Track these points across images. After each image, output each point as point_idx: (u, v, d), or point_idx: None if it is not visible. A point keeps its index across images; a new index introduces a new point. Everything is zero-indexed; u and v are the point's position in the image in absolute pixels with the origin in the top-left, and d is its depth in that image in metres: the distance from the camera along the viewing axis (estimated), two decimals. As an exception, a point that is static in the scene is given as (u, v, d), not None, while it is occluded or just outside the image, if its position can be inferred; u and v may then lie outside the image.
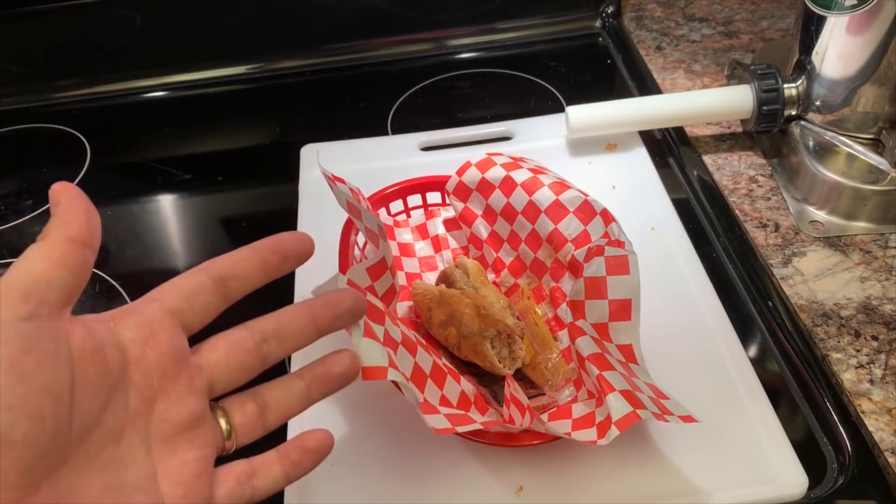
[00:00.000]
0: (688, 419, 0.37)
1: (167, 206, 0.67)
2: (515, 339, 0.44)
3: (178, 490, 0.30)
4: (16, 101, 0.79)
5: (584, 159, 0.64)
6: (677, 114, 0.63)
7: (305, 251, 0.35)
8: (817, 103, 0.59)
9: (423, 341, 0.41)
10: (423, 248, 0.55)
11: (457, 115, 0.74)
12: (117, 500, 0.28)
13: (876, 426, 0.44)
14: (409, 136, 0.67)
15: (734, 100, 0.61)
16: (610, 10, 0.83)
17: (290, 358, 0.48)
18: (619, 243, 0.43)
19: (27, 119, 0.77)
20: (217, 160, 0.72)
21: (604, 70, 0.79)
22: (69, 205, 0.29)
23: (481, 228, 0.53)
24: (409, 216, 0.56)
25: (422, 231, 0.56)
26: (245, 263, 0.33)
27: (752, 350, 0.51)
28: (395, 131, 0.72)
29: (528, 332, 0.48)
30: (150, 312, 0.31)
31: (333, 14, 0.80)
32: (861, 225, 0.56)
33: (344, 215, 0.50)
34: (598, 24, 0.84)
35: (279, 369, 0.35)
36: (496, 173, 0.51)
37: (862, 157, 0.57)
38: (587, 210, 0.47)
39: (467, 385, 0.42)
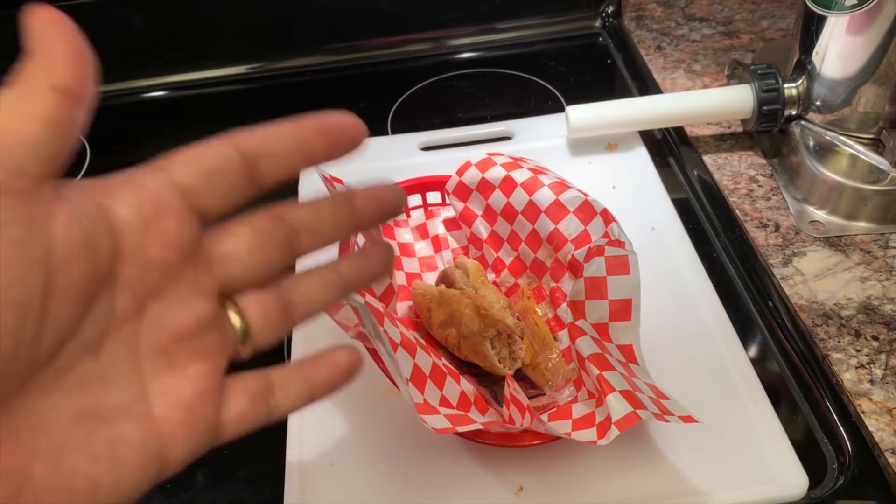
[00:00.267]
0: (688, 419, 0.37)
1: (167, 206, 0.67)
2: (515, 339, 0.44)
3: (176, 413, 0.24)
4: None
5: (584, 159, 0.64)
6: (677, 114, 0.63)
7: (356, 137, 0.28)
8: (817, 103, 0.58)
9: (423, 341, 0.41)
10: (423, 248, 0.55)
11: (457, 115, 0.74)
12: (93, 430, 0.22)
13: (876, 426, 0.44)
14: (409, 136, 0.67)
15: (734, 100, 0.61)
16: (610, 9, 0.83)
17: (289, 342, 0.48)
18: (620, 243, 0.43)
19: (27, 119, 0.77)
20: (217, 160, 0.72)
21: (604, 70, 0.79)
22: (55, 40, 0.22)
23: (481, 228, 0.53)
24: (409, 216, 0.56)
25: (422, 231, 0.56)
26: (284, 142, 0.26)
27: (752, 350, 0.51)
28: (395, 131, 0.72)
29: (528, 332, 0.47)
30: (155, 186, 0.23)
31: (333, 14, 0.80)
32: (861, 225, 0.56)
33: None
34: (598, 23, 0.84)
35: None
36: (496, 173, 0.51)
37: (862, 157, 0.57)
38: (587, 210, 0.47)
39: (467, 385, 0.42)
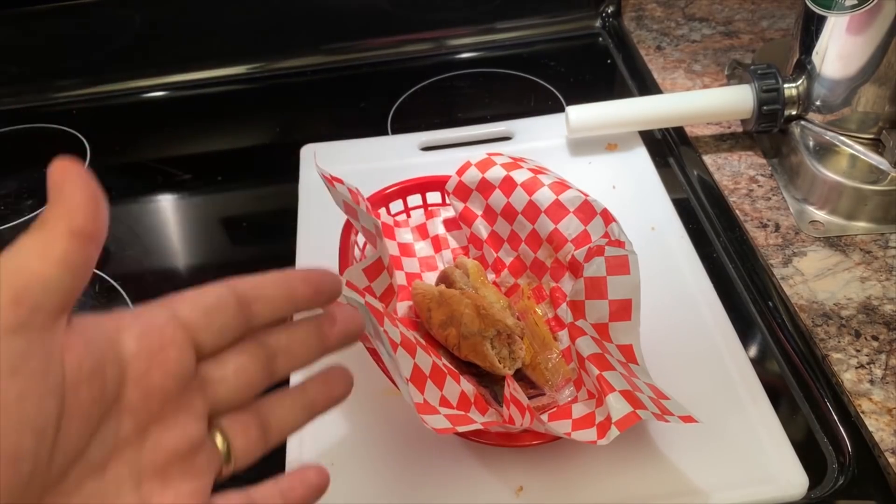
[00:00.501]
0: (688, 419, 0.37)
1: (167, 206, 0.67)
2: (515, 339, 0.44)
3: None
4: (16, 101, 0.79)
5: (584, 159, 0.64)
6: (677, 114, 0.63)
7: (335, 290, 0.31)
8: (817, 103, 0.58)
9: (423, 341, 0.41)
10: (423, 248, 0.55)
11: (457, 115, 0.74)
12: None
13: (876, 426, 0.44)
14: (409, 136, 0.67)
15: (734, 100, 0.61)
16: (610, 10, 0.83)
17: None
18: (620, 243, 0.43)
19: (27, 119, 0.77)
20: (217, 160, 0.72)
21: (604, 70, 0.79)
22: (73, 188, 0.24)
23: (481, 228, 0.53)
24: (409, 216, 0.56)
25: (422, 231, 0.56)
26: (274, 288, 0.29)
27: (752, 350, 0.51)
28: (395, 131, 0.72)
29: (528, 332, 0.47)
30: (160, 322, 0.26)
31: (333, 14, 0.80)
32: (861, 225, 0.56)
33: (344, 215, 0.49)
34: (598, 24, 0.84)
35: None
36: (496, 173, 0.51)
37: (862, 157, 0.57)
38: (587, 210, 0.47)
39: (467, 385, 0.42)
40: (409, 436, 0.45)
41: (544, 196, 0.49)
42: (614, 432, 0.36)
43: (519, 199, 0.50)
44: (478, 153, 0.53)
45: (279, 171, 0.67)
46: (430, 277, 0.53)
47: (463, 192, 0.53)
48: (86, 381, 0.23)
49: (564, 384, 0.45)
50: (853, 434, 0.45)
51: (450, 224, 0.56)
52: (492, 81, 0.78)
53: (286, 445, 0.45)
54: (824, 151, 0.58)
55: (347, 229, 0.51)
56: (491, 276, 0.52)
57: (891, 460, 0.43)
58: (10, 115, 0.78)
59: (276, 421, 0.30)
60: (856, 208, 0.56)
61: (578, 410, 0.41)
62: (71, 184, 0.24)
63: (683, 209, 0.60)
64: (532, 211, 0.50)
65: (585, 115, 0.62)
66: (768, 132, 0.62)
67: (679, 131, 0.66)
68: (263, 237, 0.63)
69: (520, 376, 0.46)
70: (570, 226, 0.48)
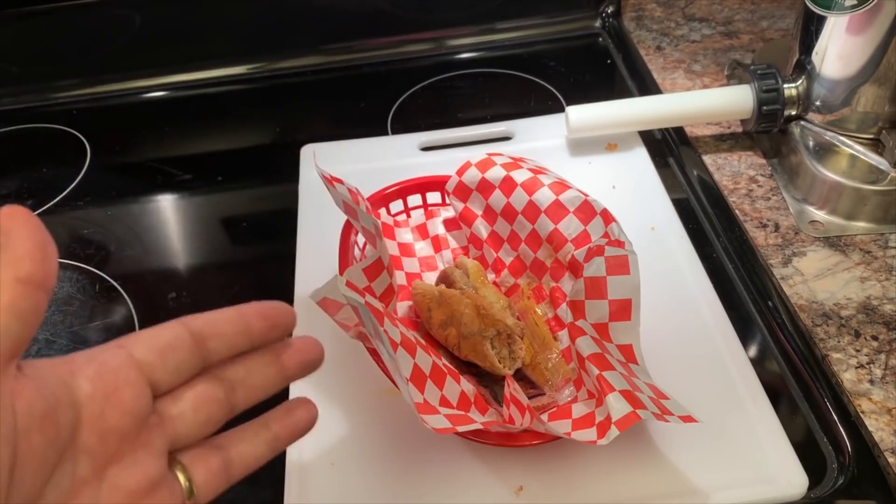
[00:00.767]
0: (688, 419, 0.37)
1: (167, 206, 0.67)
2: (515, 339, 0.44)
3: None
4: (16, 101, 0.79)
5: (584, 159, 0.64)
6: (677, 114, 0.63)
7: (290, 323, 0.32)
8: (817, 103, 0.59)
9: (423, 341, 0.41)
10: (423, 248, 0.55)
11: (457, 115, 0.74)
12: None
13: (876, 426, 0.44)
14: (409, 136, 0.67)
15: (734, 100, 0.61)
16: (610, 10, 0.83)
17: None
18: (619, 243, 0.43)
19: (27, 119, 0.77)
20: (217, 160, 0.72)
21: (604, 70, 0.79)
22: (21, 235, 0.24)
23: (481, 228, 0.53)
24: (409, 216, 0.56)
25: (422, 231, 0.56)
26: (229, 324, 0.29)
27: (752, 350, 0.51)
28: (395, 131, 0.72)
29: (528, 332, 0.47)
30: (115, 363, 0.26)
31: (333, 14, 0.80)
32: (861, 225, 0.56)
33: (344, 215, 0.50)
34: (598, 24, 0.84)
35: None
36: (496, 173, 0.51)
37: (862, 157, 0.57)
38: (587, 210, 0.47)
39: (467, 385, 0.42)
40: (409, 436, 0.45)
41: (544, 196, 0.49)
42: (614, 432, 0.36)
43: (519, 199, 0.50)
44: (478, 153, 0.53)
45: (279, 171, 0.67)
46: (430, 277, 0.53)
47: (463, 192, 0.53)
48: (37, 425, 0.23)
49: (564, 384, 0.45)
50: (853, 434, 0.45)
51: (450, 224, 0.56)
52: (492, 81, 0.78)
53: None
54: (824, 151, 0.58)
55: (347, 229, 0.51)
56: (491, 276, 0.53)
57: (891, 460, 0.43)
58: (10, 115, 0.78)
59: (238, 455, 0.31)
60: (855, 208, 0.56)
61: (578, 410, 0.41)
62: (18, 231, 0.24)
63: (683, 209, 0.60)
64: (532, 211, 0.50)
65: (585, 115, 0.62)
66: (768, 132, 0.62)
67: (679, 131, 0.67)
68: (263, 237, 0.63)
69: (520, 376, 0.46)
70: (570, 226, 0.48)
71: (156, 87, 0.80)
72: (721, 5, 0.82)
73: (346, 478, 0.44)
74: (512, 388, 0.42)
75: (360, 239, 0.52)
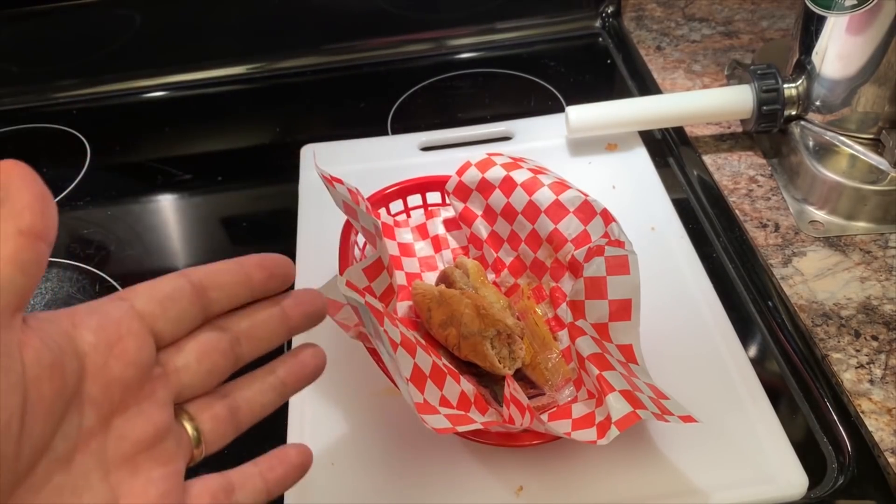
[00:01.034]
0: (688, 419, 0.37)
1: (167, 206, 0.67)
2: (515, 339, 0.44)
3: None
4: (16, 101, 0.79)
5: (584, 159, 0.64)
6: (677, 114, 0.63)
7: (289, 273, 0.32)
8: (817, 103, 0.59)
9: (423, 341, 0.41)
10: (423, 248, 0.55)
11: (457, 115, 0.74)
12: None
13: (876, 426, 0.44)
14: (409, 136, 0.67)
15: (734, 100, 0.61)
16: (610, 10, 0.83)
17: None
18: (619, 243, 0.43)
19: (27, 119, 0.77)
20: (217, 160, 0.72)
21: (604, 70, 0.79)
22: (20, 188, 0.24)
23: (481, 228, 0.53)
24: (409, 216, 0.56)
25: (422, 231, 0.56)
26: (229, 274, 0.30)
27: (752, 350, 0.51)
28: (395, 131, 0.72)
29: (528, 332, 0.48)
30: (117, 314, 0.27)
31: (333, 14, 0.80)
32: (861, 225, 0.56)
33: (344, 215, 0.50)
34: (598, 24, 0.84)
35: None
36: (496, 173, 0.51)
37: (862, 157, 0.57)
38: (587, 210, 0.47)
39: (467, 385, 0.42)
40: (409, 436, 0.45)
41: (544, 196, 0.49)
42: (614, 432, 0.36)
43: (519, 199, 0.50)
44: (478, 153, 0.53)
45: (279, 171, 0.67)
46: (430, 277, 0.53)
47: (463, 192, 0.53)
48: (46, 375, 0.23)
49: (564, 384, 0.45)
50: (853, 434, 0.45)
51: (450, 224, 0.56)
52: (492, 81, 0.78)
53: (287, 443, 0.45)
54: (824, 151, 0.58)
55: (347, 229, 0.51)
56: (491, 276, 0.53)
57: (891, 460, 0.43)
58: (10, 115, 0.78)
59: (245, 403, 0.31)
60: (855, 208, 0.56)
61: (578, 410, 0.41)
62: (18, 184, 0.24)
63: (683, 209, 0.60)
64: (532, 211, 0.50)
65: (585, 115, 0.62)
66: (768, 132, 0.62)
67: (679, 131, 0.67)
68: (263, 237, 0.63)
69: (520, 376, 0.46)
70: (570, 226, 0.48)
71: (156, 87, 0.80)
72: (721, 5, 0.82)
73: (346, 478, 0.44)
74: (512, 388, 0.42)
75: (360, 239, 0.52)
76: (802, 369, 0.49)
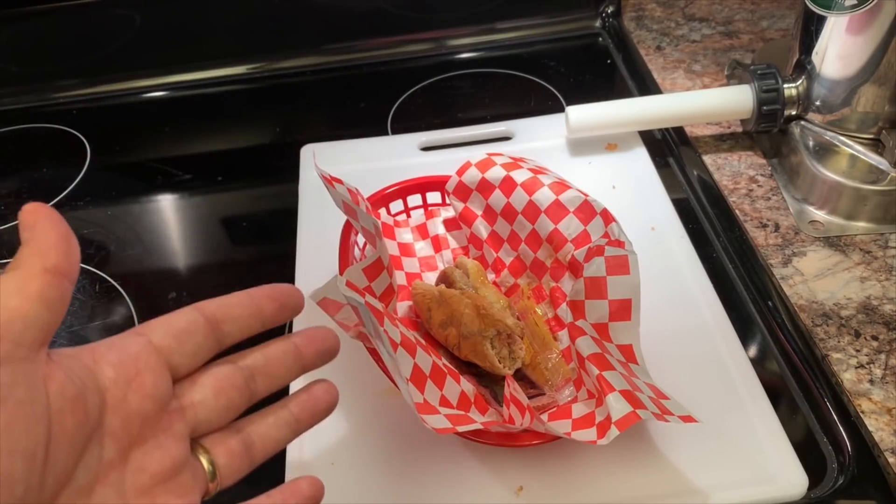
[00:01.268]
0: (688, 419, 0.37)
1: (167, 206, 0.67)
2: (515, 339, 0.44)
3: None
4: (16, 101, 0.79)
5: (584, 159, 0.64)
6: (677, 114, 0.63)
7: (298, 304, 0.33)
8: (817, 103, 0.59)
9: (423, 341, 0.41)
10: (423, 248, 0.55)
11: (457, 115, 0.74)
12: None
13: (876, 426, 0.44)
14: (409, 136, 0.67)
15: (734, 100, 0.61)
16: (610, 10, 0.83)
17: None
18: (619, 243, 0.43)
19: (27, 119, 0.77)
20: (217, 160, 0.72)
21: (604, 70, 0.79)
22: (46, 229, 0.25)
23: (481, 228, 0.53)
24: (409, 216, 0.56)
25: (422, 231, 0.56)
26: (241, 308, 0.31)
27: (752, 350, 0.51)
28: (395, 131, 0.72)
29: (528, 332, 0.47)
30: (135, 349, 0.28)
31: (333, 14, 0.80)
32: (861, 225, 0.56)
33: (344, 215, 0.50)
34: (598, 24, 0.84)
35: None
36: (496, 173, 0.51)
37: (862, 157, 0.57)
38: (587, 210, 0.47)
39: (467, 385, 0.42)
40: (409, 436, 0.45)
41: (544, 196, 0.49)
42: (614, 432, 0.36)
43: (519, 199, 0.50)
44: (478, 153, 0.53)
45: (279, 171, 0.67)
46: (430, 277, 0.53)
47: (463, 192, 0.53)
48: (69, 408, 0.24)
49: (564, 384, 0.45)
50: (853, 434, 0.45)
51: (450, 224, 0.56)
52: (492, 81, 0.78)
53: (286, 446, 0.45)
54: (824, 151, 0.58)
55: (347, 229, 0.51)
56: (491, 276, 0.53)
57: (891, 460, 0.43)
58: (10, 115, 0.78)
59: (259, 439, 0.32)
60: (855, 208, 0.56)
61: (578, 410, 0.41)
62: (43, 225, 0.26)
63: (683, 209, 0.60)
64: (532, 211, 0.50)
65: (585, 115, 0.62)
66: (768, 132, 0.62)
67: (679, 131, 0.67)
68: (263, 237, 0.63)
69: (520, 376, 0.46)
70: (570, 226, 0.48)
71: (156, 87, 0.80)
72: (721, 5, 0.82)
73: (346, 478, 0.44)
74: (512, 388, 0.42)
75: (360, 239, 0.52)
76: (802, 369, 0.49)
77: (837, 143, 0.58)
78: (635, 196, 0.60)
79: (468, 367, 0.46)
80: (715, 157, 0.63)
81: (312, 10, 0.79)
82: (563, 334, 0.47)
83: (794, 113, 0.60)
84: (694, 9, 0.82)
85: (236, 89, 0.80)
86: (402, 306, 0.51)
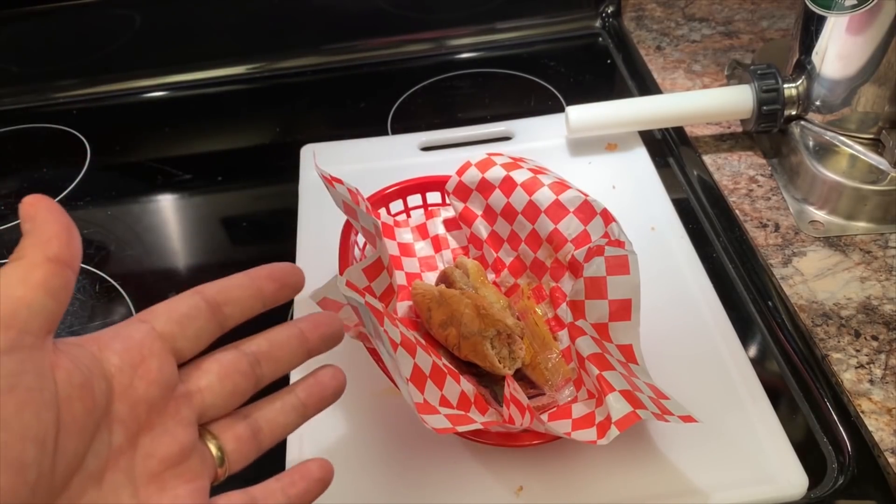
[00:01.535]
0: (688, 419, 0.37)
1: (167, 206, 0.67)
2: (515, 339, 0.44)
3: None
4: (16, 101, 0.79)
5: (584, 159, 0.64)
6: (677, 114, 0.63)
7: (299, 282, 0.33)
8: (817, 103, 0.59)
9: (423, 341, 0.41)
10: (423, 248, 0.55)
11: (457, 115, 0.74)
12: None
13: (876, 426, 0.44)
14: (409, 136, 0.67)
15: (734, 100, 0.61)
16: (610, 10, 0.83)
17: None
18: (620, 243, 0.43)
19: (27, 119, 0.77)
20: (217, 160, 0.72)
21: (604, 70, 0.79)
22: (47, 219, 0.26)
23: (481, 228, 0.53)
24: (409, 216, 0.56)
25: (422, 231, 0.56)
26: (242, 289, 0.31)
27: (752, 350, 0.51)
28: (395, 131, 0.72)
29: (529, 332, 0.47)
30: (139, 336, 0.28)
31: (333, 14, 0.80)
32: (861, 225, 0.56)
33: (344, 216, 0.50)
34: (598, 24, 0.84)
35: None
36: (496, 173, 0.51)
37: (862, 157, 0.57)
38: (587, 210, 0.47)
39: (467, 385, 0.42)
40: (409, 436, 0.45)
41: (544, 196, 0.49)
42: (614, 432, 0.36)
43: (519, 199, 0.50)
44: (478, 153, 0.53)
45: (279, 171, 0.67)
46: (430, 277, 0.53)
47: (463, 192, 0.53)
48: (77, 394, 0.25)
49: (564, 384, 0.45)
50: (853, 434, 0.45)
51: (450, 224, 0.56)
52: (492, 81, 0.78)
53: (286, 446, 0.45)
54: (824, 151, 0.58)
55: (347, 229, 0.51)
56: (491, 276, 0.53)
57: (891, 460, 0.43)
58: (10, 115, 0.78)
59: (267, 424, 0.32)
60: (855, 208, 0.56)
61: (578, 410, 0.41)
62: (44, 216, 0.26)
63: (683, 209, 0.60)
64: (532, 211, 0.50)
65: (585, 115, 0.62)
66: (768, 132, 0.62)
67: (679, 131, 0.67)
68: (263, 237, 0.63)
69: (520, 376, 0.46)
70: (570, 226, 0.48)
71: (156, 87, 0.80)
72: (721, 5, 0.82)
73: (345, 478, 0.44)
74: (512, 388, 0.42)
75: (360, 239, 0.52)
76: (802, 369, 0.49)
77: (837, 143, 0.58)
78: (635, 196, 0.60)
79: (468, 367, 0.46)
80: (715, 157, 0.63)
81: (312, 10, 0.79)
82: (563, 334, 0.47)
83: (794, 113, 0.60)
84: (694, 9, 0.82)
85: (236, 89, 0.80)
86: (402, 306, 0.51)
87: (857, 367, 0.47)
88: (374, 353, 0.43)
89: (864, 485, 0.43)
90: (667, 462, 0.43)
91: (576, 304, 0.44)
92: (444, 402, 0.40)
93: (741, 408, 0.45)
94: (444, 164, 0.57)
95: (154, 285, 0.59)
